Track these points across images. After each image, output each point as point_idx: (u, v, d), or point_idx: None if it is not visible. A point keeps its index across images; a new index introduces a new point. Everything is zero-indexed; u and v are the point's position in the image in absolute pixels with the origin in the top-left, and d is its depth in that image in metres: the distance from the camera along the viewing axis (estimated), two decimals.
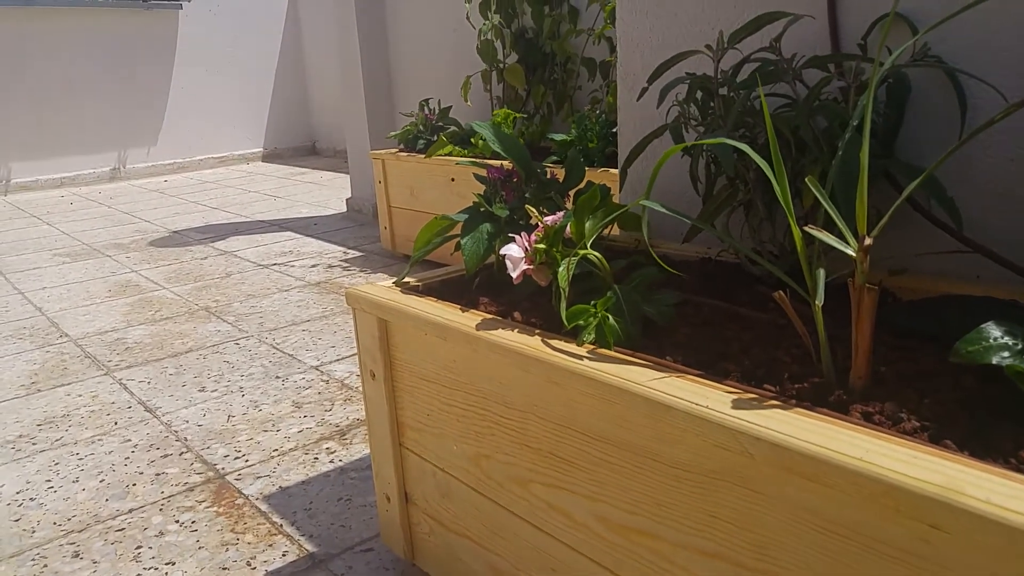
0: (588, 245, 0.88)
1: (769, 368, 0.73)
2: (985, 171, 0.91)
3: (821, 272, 0.67)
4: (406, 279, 1.09)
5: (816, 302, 0.67)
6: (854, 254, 0.64)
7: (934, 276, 0.96)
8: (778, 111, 1.00)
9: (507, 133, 1.08)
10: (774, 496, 0.61)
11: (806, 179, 0.66)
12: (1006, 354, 0.57)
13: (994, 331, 0.58)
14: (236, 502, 1.35)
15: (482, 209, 1.07)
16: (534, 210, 0.91)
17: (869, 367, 0.67)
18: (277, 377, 1.91)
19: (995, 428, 0.59)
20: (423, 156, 2.82)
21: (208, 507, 1.34)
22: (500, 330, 0.87)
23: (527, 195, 1.05)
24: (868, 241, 0.63)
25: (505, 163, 1.11)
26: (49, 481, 1.46)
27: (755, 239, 1.03)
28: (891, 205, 0.69)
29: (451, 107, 3.13)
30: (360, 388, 1.80)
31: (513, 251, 0.89)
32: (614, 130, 2.32)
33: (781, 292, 0.70)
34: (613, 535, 0.78)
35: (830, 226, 0.70)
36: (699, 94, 1.03)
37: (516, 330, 0.86)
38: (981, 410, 0.62)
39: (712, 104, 1.02)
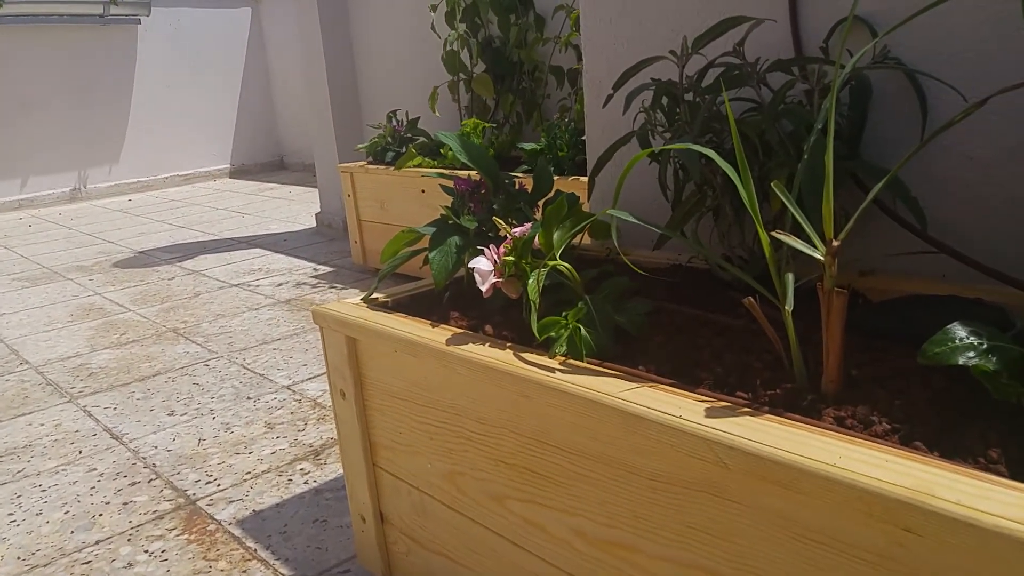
0: (557, 256, 0.87)
1: (741, 375, 0.72)
2: (946, 170, 0.92)
3: (790, 277, 0.67)
4: (374, 295, 1.07)
5: (786, 307, 0.66)
6: (822, 258, 0.64)
7: (901, 276, 0.96)
8: (743, 115, 1.00)
9: (474, 143, 1.07)
10: (750, 505, 0.61)
11: (772, 184, 0.66)
12: (971, 354, 0.57)
13: (959, 331, 0.58)
14: (208, 528, 1.33)
15: (450, 222, 1.06)
16: (502, 222, 0.91)
17: (840, 370, 0.67)
18: (248, 398, 1.89)
19: (963, 427, 0.59)
20: (392, 168, 2.81)
21: (179, 535, 1.32)
22: (471, 345, 0.86)
23: (495, 206, 1.05)
24: (836, 244, 0.63)
25: (473, 174, 1.10)
26: (11, 515, 1.42)
27: (724, 244, 1.03)
28: (858, 206, 0.69)
29: (419, 118, 3.12)
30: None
31: (482, 264, 0.88)
32: (583, 138, 2.32)
33: (751, 298, 0.69)
34: (591, 549, 0.78)
35: (798, 230, 0.70)
36: (665, 100, 1.03)
37: (487, 344, 0.85)
38: (950, 409, 0.62)
39: (678, 110, 1.02)
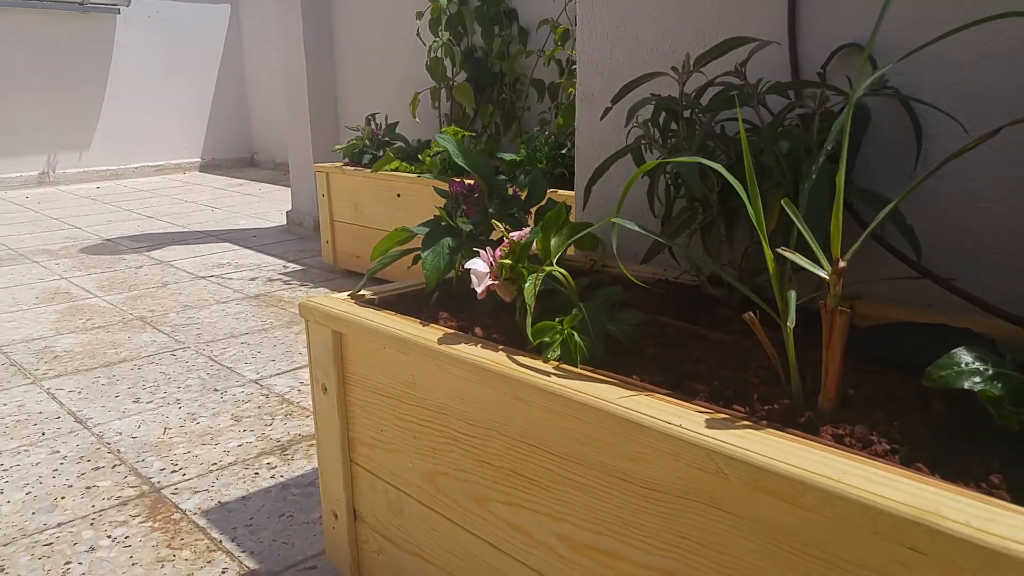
0: (554, 262, 0.88)
1: (738, 389, 0.73)
2: (939, 201, 0.93)
3: (792, 294, 0.68)
4: (361, 292, 1.07)
5: (788, 324, 0.67)
6: (827, 276, 0.65)
7: (886, 302, 0.98)
8: (737, 135, 1.02)
9: (471, 148, 1.07)
10: (747, 517, 0.61)
11: (782, 202, 0.67)
12: (977, 379, 0.58)
13: (965, 357, 0.59)
14: (172, 517, 1.30)
15: (443, 223, 1.05)
16: (500, 225, 0.91)
17: (838, 389, 0.67)
18: (215, 390, 1.86)
19: (964, 451, 0.60)
20: (369, 171, 2.80)
21: (142, 522, 1.29)
22: (463, 345, 0.85)
23: (491, 210, 1.05)
24: (842, 264, 0.63)
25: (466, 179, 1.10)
26: None
27: (714, 261, 1.04)
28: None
29: (397, 123, 3.11)
30: (301, 403, 1.76)
31: (479, 266, 0.88)
32: (563, 151, 2.33)
33: (751, 313, 0.70)
34: (575, 555, 0.77)
35: (801, 248, 0.70)
36: (661, 116, 1.04)
37: (480, 346, 0.85)
38: (949, 433, 0.63)
39: (675, 126, 1.02)
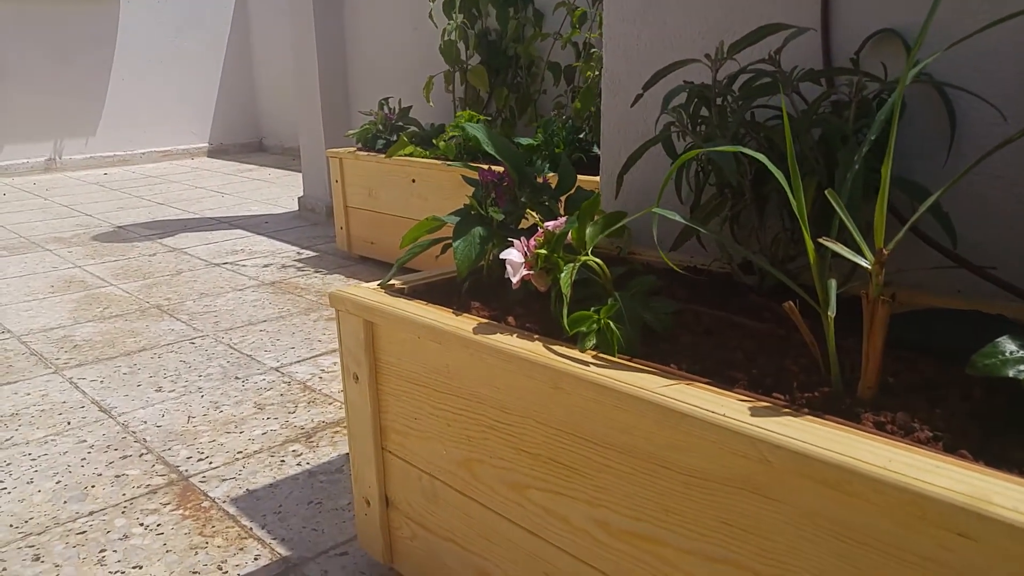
0: (589, 251, 0.88)
1: (777, 377, 0.74)
2: (972, 189, 0.93)
3: (833, 283, 0.68)
4: (391, 281, 1.07)
5: (829, 313, 0.67)
6: (870, 266, 0.65)
7: (915, 289, 0.98)
8: (767, 122, 1.02)
9: (500, 136, 1.08)
10: (791, 503, 0.62)
11: (826, 193, 0.67)
12: (1023, 368, 0.58)
13: (1009, 345, 0.60)
14: (202, 504, 1.32)
15: (473, 212, 1.06)
16: (536, 215, 0.91)
17: (878, 377, 0.68)
18: (237, 378, 1.87)
19: (1007, 439, 0.60)
20: (383, 156, 2.80)
21: (173, 510, 1.31)
22: (499, 335, 0.86)
23: (523, 199, 1.05)
24: (886, 253, 0.64)
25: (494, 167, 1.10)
26: (2, 482, 1.40)
27: (744, 248, 1.04)
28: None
29: (411, 107, 3.11)
30: (323, 391, 1.77)
31: (514, 256, 0.89)
32: (580, 136, 2.34)
33: (791, 303, 0.70)
34: (614, 540, 0.78)
35: (842, 237, 0.71)
36: (693, 102, 1.04)
37: (515, 335, 0.86)
38: (991, 421, 0.63)
39: (705, 113, 1.03)
